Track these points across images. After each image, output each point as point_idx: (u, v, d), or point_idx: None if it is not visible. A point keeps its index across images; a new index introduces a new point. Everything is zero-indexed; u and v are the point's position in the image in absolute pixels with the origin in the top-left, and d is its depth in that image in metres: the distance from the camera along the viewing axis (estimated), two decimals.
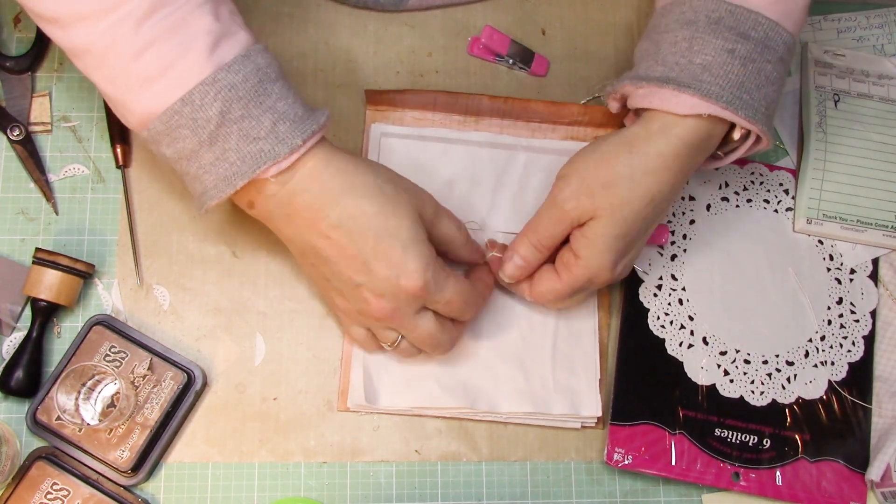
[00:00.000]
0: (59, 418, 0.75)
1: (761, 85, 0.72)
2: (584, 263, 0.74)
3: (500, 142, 0.85)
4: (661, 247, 0.85)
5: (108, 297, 0.81)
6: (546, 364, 0.81)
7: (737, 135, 0.74)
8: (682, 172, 0.73)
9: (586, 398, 0.81)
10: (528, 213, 0.83)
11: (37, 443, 0.77)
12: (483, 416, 0.80)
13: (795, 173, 0.89)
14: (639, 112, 0.76)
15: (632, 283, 0.84)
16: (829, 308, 0.85)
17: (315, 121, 0.67)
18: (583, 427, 0.81)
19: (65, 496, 0.74)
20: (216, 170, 0.66)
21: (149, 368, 0.77)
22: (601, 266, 0.74)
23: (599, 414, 0.80)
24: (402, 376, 0.80)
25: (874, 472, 0.80)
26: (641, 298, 0.84)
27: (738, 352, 0.83)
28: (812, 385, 0.83)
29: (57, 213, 0.82)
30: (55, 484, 0.74)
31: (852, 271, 0.86)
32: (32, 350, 0.77)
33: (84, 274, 0.78)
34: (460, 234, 0.76)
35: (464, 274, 0.78)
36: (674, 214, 0.86)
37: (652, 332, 0.83)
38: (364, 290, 0.70)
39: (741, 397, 0.82)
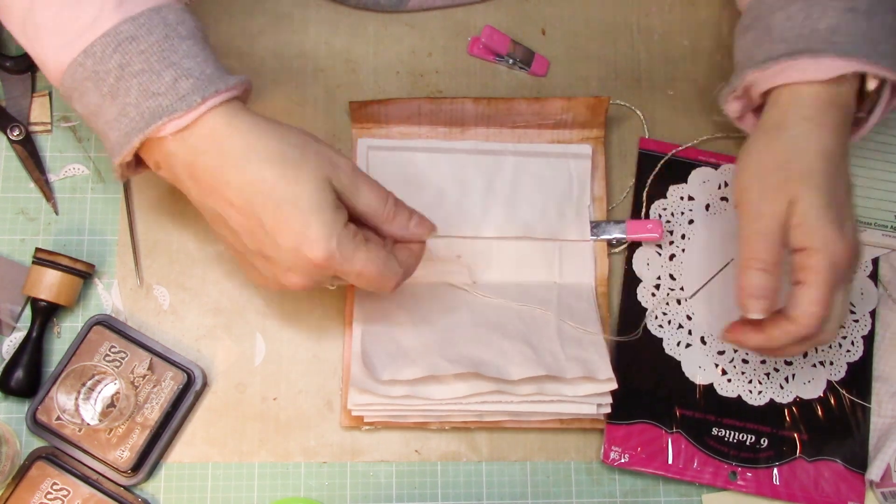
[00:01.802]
0: (59, 418, 0.75)
1: (889, 36, 0.72)
2: (815, 247, 0.68)
3: (488, 148, 0.85)
4: (660, 246, 0.85)
5: (108, 297, 0.81)
6: (553, 341, 0.79)
7: (872, 84, 0.72)
8: (838, 129, 0.71)
9: (600, 366, 0.78)
10: (521, 217, 0.84)
11: (37, 443, 0.77)
12: (495, 403, 0.77)
13: None
14: (759, 109, 0.76)
15: (630, 282, 0.84)
16: None
17: (224, 82, 0.65)
18: (598, 409, 0.78)
19: (65, 496, 0.74)
20: (118, 125, 0.64)
21: (149, 368, 0.77)
22: (829, 239, 0.68)
23: (615, 385, 0.77)
24: (404, 356, 0.77)
25: (874, 472, 0.80)
26: (640, 298, 0.84)
27: (736, 351, 0.83)
28: (810, 385, 0.83)
29: (57, 213, 0.82)
30: (55, 484, 0.74)
31: None
32: (32, 350, 0.77)
33: (84, 274, 0.78)
34: (384, 207, 0.70)
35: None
36: (672, 214, 0.86)
37: (650, 331, 0.83)
38: (272, 264, 0.67)
39: (739, 397, 0.82)
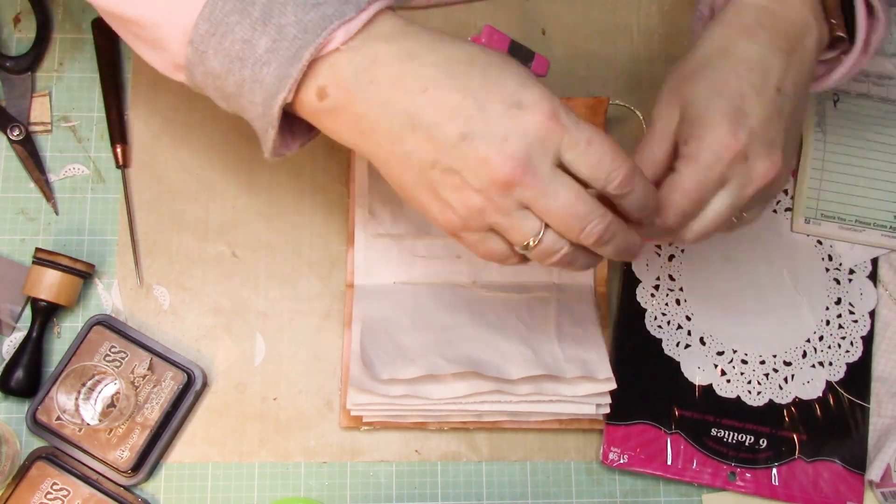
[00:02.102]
0: (59, 418, 0.75)
1: None
2: (694, 136, 0.63)
3: None
4: (659, 247, 0.85)
5: (108, 297, 0.81)
6: (552, 340, 0.79)
7: (841, 32, 0.68)
8: (757, 34, 0.65)
9: (599, 365, 0.77)
10: None
11: (37, 443, 0.77)
12: (494, 403, 0.77)
13: (794, 173, 0.89)
14: None
15: (629, 283, 0.84)
16: (827, 308, 0.85)
17: None
18: (597, 410, 0.78)
19: (65, 496, 0.74)
20: (276, 55, 0.55)
21: (149, 368, 0.77)
22: (711, 130, 0.62)
23: (615, 385, 0.77)
24: (403, 356, 0.77)
25: (874, 473, 0.80)
26: (639, 298, 0.84)
27: (735, 352, 0.83)
28: (810, 385, 0.83)
29: (57, 213, 0.82)
30: (55, 484, 0.75)
31: (851, 271, 0.86)
32: (32, 350, 0.77)
33: (84, 274, 0.78)
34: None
35: None
36: None
37: (649, 332, 0.83)
38: (481, 144, 0.54)
39: (738, 397, 0.82)
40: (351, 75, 0.56)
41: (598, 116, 0.85)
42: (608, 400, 0.78)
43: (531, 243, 0.57)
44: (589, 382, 0.77)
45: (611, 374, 0.77)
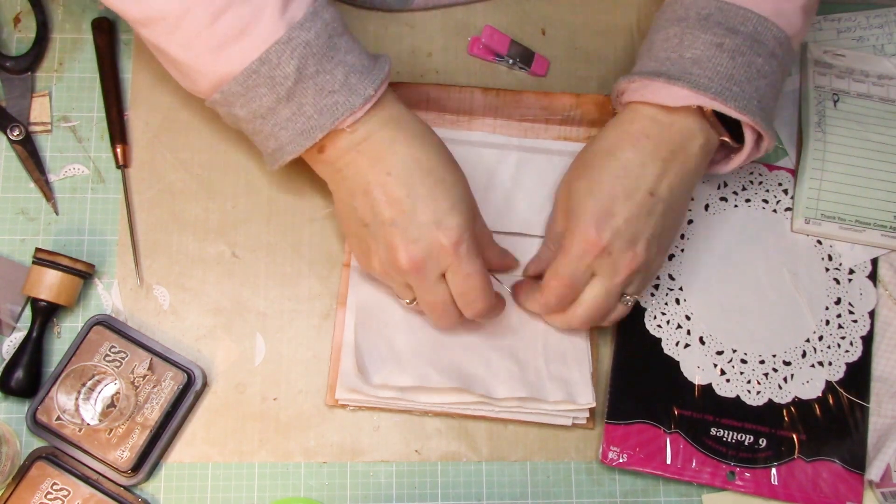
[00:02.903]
0: (59, 418, 0.75)
1: (752, 78, 0.73)
2: (569, 229, 0.75)
3: (492, 141, 0.85)
4: None
5: (108, 297, 0.81)
6: (539, 356, 0.81)
7: (726, 137, 0.75)
8: (642, 144, 0.74)
9: (581, 388, 0.80)
10: (520, 213, 0.84)
11: (37, 443, 0.77)
12: (475, 410, 0.80)
13: (794, 173, 0.89)
14: None
15: None
16: (827, 308, 0.85)
17: (380, 69, 0.70)
18: (574, 425, 0.81)
19: (65, 496, 0.74)
20: (293, 125, 0.69)
21: (149, 368, 0.77)
22: (580, 226, 0.73)
23: (594, 404, 0.80)
24: (395, 359, 0.79)
25: (874, 473, 0.80)
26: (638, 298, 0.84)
27: (734, 351, 0.83)
28: (809, 385, 0.83)
29: (57, 213, 0.82)
30: (55, 484, 0.75)
31: (851, 271, 0.86)
32: (32, 350, 0.77)
33: (84, 274, 0.78)
34: (490, 236, 0.79)
35: None
36: None
37: (648, 331, 0.83)
38: (398, 234, 0.70)
39: (737, 397, 0.82)
40: (346, 145, 0.71)
41: (607, 115, 0.85)
42: (586, 414, 0.81)
43: (408, 303, 0.76)
44: (569, 404, 0.79)
45: (591, 399, 0.79)
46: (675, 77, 0.73)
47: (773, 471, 0.81)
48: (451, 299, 0.73)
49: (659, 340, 0.83)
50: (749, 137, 0.75)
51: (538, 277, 0.79)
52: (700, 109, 0.73)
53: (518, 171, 0.85)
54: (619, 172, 0.73)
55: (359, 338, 0.79)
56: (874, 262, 0.87)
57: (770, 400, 0.83)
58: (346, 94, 0.68)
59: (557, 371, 0.80)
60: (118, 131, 0.83)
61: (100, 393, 0.77)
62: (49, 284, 0.77)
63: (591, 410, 0.81)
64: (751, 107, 0.73)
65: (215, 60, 0.68)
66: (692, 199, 0.87)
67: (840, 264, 0.86)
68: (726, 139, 0.76)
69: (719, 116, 0.74)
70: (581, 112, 0.86)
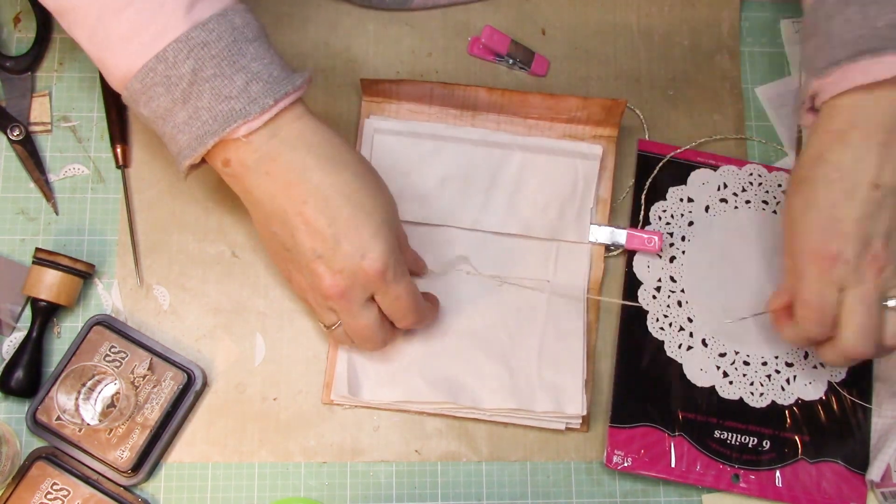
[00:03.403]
0: (59, 418, 0.75)
1: None
2: (796, 252, 0.71)
3: (496, 140, 0.85)
4: (659, 255, 0.85)
5: (108, 297, 0.81)
6: (532, 362, 0.81)
7: None
8: (868, 137, 0.69)
9: (571, 396, 0.80)
10: (522, 214, 0.84)
11: (37, 443, 0.77)
12: (467, 413, 0.80)
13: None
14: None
15: (631, 285, 0.84)
16: None
17: (290, 82, 0.67)
18: (567, 429, 0.81)
19: (65, 496, 0.74)
20: (189, 129, 0.66)
21: (149, 368, 0.77)
22: (806, 244, 0.70)
23: (584, 413, 0.79)
24: (386, 370, 0.80)
25: (874, 473, 0.80)
26: (640, 300, 0.84)
27: (737, 353, 0.83)
28: (811, 386, 0.83)
29: (57, 213, 0.82)
30: (55, 484, 0.74)
31: None
32: (32, 350, 0.77)
33: (84, 274, 0.78)
34: (408, 246, 0.78)
35: None
36: (672, 216, 0.86)
37: (651, 333, 0.83)
38: (321, 264, 0.68)
39: (741, 399, 0.82)
40: (252, 163, 0.67)
41: (613, 118, 0.85)
42: (578, 421, 0.80)
43: (328, 327, 0.74)
44: (558, 414, 0.80)
45: (580, 408, 0.79)
46: (878, 49, 0.68)
47: (777, 473, 0.81)
48: (379, 322, 0.72)
49: (661, 343, 0.83)
50: None
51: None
52: None
53: (521, 171, 0.85)
54: (833, 175, 0.69)
55: (352, 353, 0.80)
56: None
57: (773, 402, 0.82)
58: (243, 102, 0.65)
59: (549, 378, 0.80)
60: (118, 131, 0.83)
61: (100, 393, 0.77)
62: (49, 284, 0.77)
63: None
64: None
65: (118, 55, 0.66)
66: (692, 201, 0.87)
67: None
68: None
69: None
70: (587, 113, 0.85)
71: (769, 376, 0.83)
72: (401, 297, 0.71)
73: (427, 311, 0.76)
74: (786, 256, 0.75)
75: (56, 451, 0.75)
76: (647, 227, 0.86)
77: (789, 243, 0.73)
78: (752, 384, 0.82)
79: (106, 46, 0.66)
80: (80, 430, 0.75)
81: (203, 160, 0.69)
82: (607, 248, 0.85)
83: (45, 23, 0.85)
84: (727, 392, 0.82)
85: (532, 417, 0.80)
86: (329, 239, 0.68)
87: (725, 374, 0.82)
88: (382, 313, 0.72)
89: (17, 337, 0.79)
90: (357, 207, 0.68)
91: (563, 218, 0.84)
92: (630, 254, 0.85)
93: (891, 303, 0.70)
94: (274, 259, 0.74)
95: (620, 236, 0.84)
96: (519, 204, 0.84)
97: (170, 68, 0.65)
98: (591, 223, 0.85)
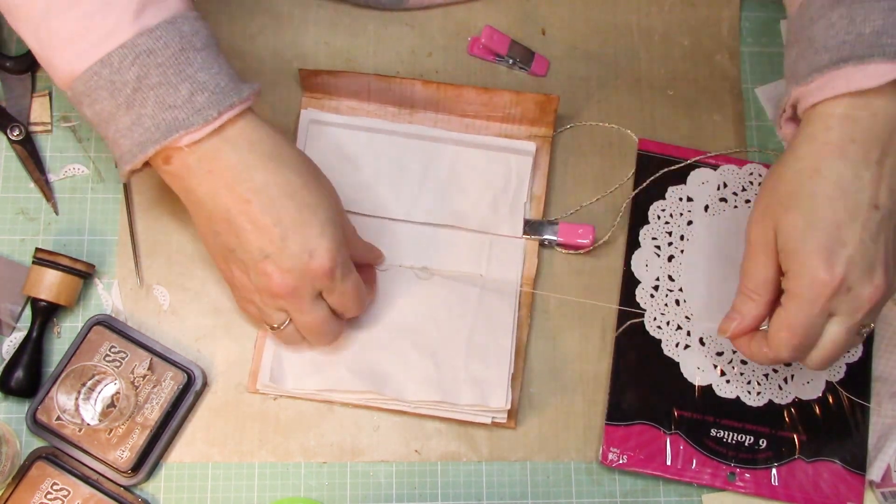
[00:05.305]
0: (59, 418, 0.75)
1: None
2: (793, 271, 0.66)
3: (430, 134, 0.85)
4: (658, 247, 0.85)
5: (108, 297, 0.81)
6: (459, 355, 0.80)
7: None
8: (849, 148, 0.66)
9: (496, 390, 0.79)
10: (456, 206, 0.84)
11: (37, 443, 0.77)
12: (391, 405, 0.79)
13: None
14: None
15: (628, 283, 0.85)
16: None
17: (237, 94, 0.66)
18: (493, 423, 0.80)
19: (65, 496, 0.74)
20: (132, 135, 0.65)
21: (149, 368, 0.77)
22: (808, 265, 0.65)
23: (508, 407, 0.79)
24: (311, 360, 0.79)
25: (874, 473, 0.80)
26: (638, 299, 0.84)
27: (734, 352, 0.83)
28: (809, 385, 0.83)
29: (57, 213, 0.82)
30: (55, 484, 0.74)
31: None
32: (32, 350, 0.77)
33: (84, 274, 0.78)
34: (359, 239, 0.78)
35: None
36: (671, 215, 0.86)
37: (648, 332, 0.83)
38: (269, 264, 0.68)
39: (737, 398, 0.82)
40: (194, 161, 0.66)
41: (547, 115, 0.85)
42: (504, 415, 0.80)
43: (277, 327, 0.73)
44: (482, 407, 0.79)
45: (503, 401, 0.79)
46: (864, 55, 0.64)
47: (774, 471, 0.81)
48: (330, 316, 0.73)
49: (659, 342, 0.83)
50: None
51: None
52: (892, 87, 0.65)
53: (453, 164, 0.85)
54: (835, 193, 0.65)
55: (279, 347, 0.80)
56: None
57: (770, 401, 0.83)
58: (187, 112, 0.64)
59: (475, 371, 0.80)
60: None
61: (100, 393, 0.77)
62: (49, 284, 0.77)
63: (512, 407, 0.80)
64: None
65: (63, 55, 0.64)
66: (691, 200, 0.87)
67: None
68: None
69: None
70: (521, 110, 0.85)
71: (767, 375, 0.83)
72: (347, 291, 0.72)
73: (370, 298, 0.78)
74: (753, 270, 0.70)
75: (56, 451, 0.76)
76: (645, 226, 0.86)
77: (767, 261, 0.69)
78: (749, 383, 0.83)
79: (50, 45, 0.65)
80: (80, 430, 0.76)
81: (146, 163, 0.68)
82: (541, 243, 0.85)
83: None
84: (724, 391, 0.82)
85: (456, 411, 0.79)
86: (276, 238, 0.67)
87: (723, 373, 0.83)
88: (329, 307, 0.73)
89: (17, 337, 0.79)
90: (302, 206, 0.68)
91: (497, 212, 0.84)
92: (629, 252, 0.85)
93: (864, 331, 0.69)
94: (216, 260, 0.73)
95: (553, 230, 0.84)
96: (452, 196, 0.84)
97: (114, 73, 0.64)
98: (525, 218, 0.85)
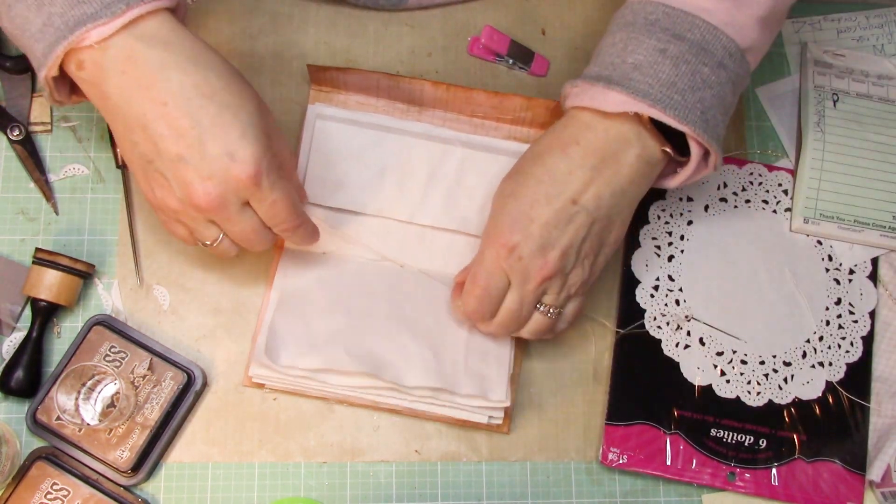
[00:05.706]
0: (59, 418, 0.75)
1: (696, 87, 0.70)
2: (485, 230, 0.74)
3: (438, 135, 0.85)
4: (658, 247, 0.85)
5: (108, 297, 0.81)
6: (459, 350, 0.80)
7: (667, 147, 0.72)
8: (585, 157, 0.72)
9: (496, 385, 0.79)
10: (460, 210, 0.83)
11: (37, 443, 0.77)
12: (390, 397, 0.79)
13: (794, 173, 0.89)
14: None
15: (628, 283, 0.85)
16: (827, 308, 0.85)
17: None
18: (489, 424, 0.80)
19: (65, 496, 0.74)
20: (44, 36, 0.63)
21: (149, 368, 0.77)
22: (488, 233, 0.73)
23: (507, 403, 0.78)
24: (307, 339, 0.78)
25: (874, 473, 0.80)
26: (638, 299, 0.84)
27: (734, 352, 0.83)
28: (809, 385, 0.83)
29: (57, 213, 0.82)
30: (55, 484, 0.75)
31: (851, 272, 0.86)
32: (32, 350, 0.77)
33: (84, 274, 0.78)
34: (292, 159, 0.73)
35: None
36: (671, 215, 0.86)
37: (648, 332, 0.83)
38: (189, 171, 0.64)
39: (737, 398, 0.82)
40: (107, 62, 0.64)
41: (557, 118, 0.84)
42: (501, 414, 0.80)
43: (210, 244, 0.70)
44: (481, 399, 0.78)
45: (503, 397, 0.78)
46: (614, 82, 0.71)
47: (774, 471, 0.81)
48: (261, 224, 0.69)
49: (659, 342, 0.83)
50: (695, 151, 0.72)
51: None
52: (638, 117, 0.70)
53: (461, 168, 0.85)
54: (544, 177, 0.72)
55: (276, 318, 0.79)
56: (874, 261, 0.87)
57: (770, 401, 0.83)
58: (96, 6, 0.62)
59: (475, 366, 0.79)
60: None
61: (100, 393, 0.77)
62: (49, 284, 0.77)
63: (507, 411, 0.80)
64: (692, 117, 0.70)
65: None
66: (691, 200, 0.87)
67: (840, 264, 0.86)
68: (668, 150, 0.72)
69: (662, 127, 0.71)
70: (532, 114, 0.85)
71: (766, 375, 0.83)
72: (277, 202, 0.68)
73: (306, 219, 0.73)
74: (484, 230, 0.76)
75: (56, 451, 0.76)
76: (645, 226, 0.86)
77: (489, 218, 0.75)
78: (749, 383, 0.83)
79: None
80: (80, 430, 0.76)
81: (65, 74, 0.66)
82: None
83: None
84: (724, 391, 0.82)
85: (453, 404, 0.79)
86: (193, 142, 0.64)
87: (723, 373, 0.83)
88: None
89: (17, 337, 0.79)
90: (222, 107, 0.64)
91: None
92: (628, 253, 0.85)
93: (550, 311, 0.74)
94: (137, 179, 0.69)
95: None
96: (457, 200, 0.84)
97: None
98: None
